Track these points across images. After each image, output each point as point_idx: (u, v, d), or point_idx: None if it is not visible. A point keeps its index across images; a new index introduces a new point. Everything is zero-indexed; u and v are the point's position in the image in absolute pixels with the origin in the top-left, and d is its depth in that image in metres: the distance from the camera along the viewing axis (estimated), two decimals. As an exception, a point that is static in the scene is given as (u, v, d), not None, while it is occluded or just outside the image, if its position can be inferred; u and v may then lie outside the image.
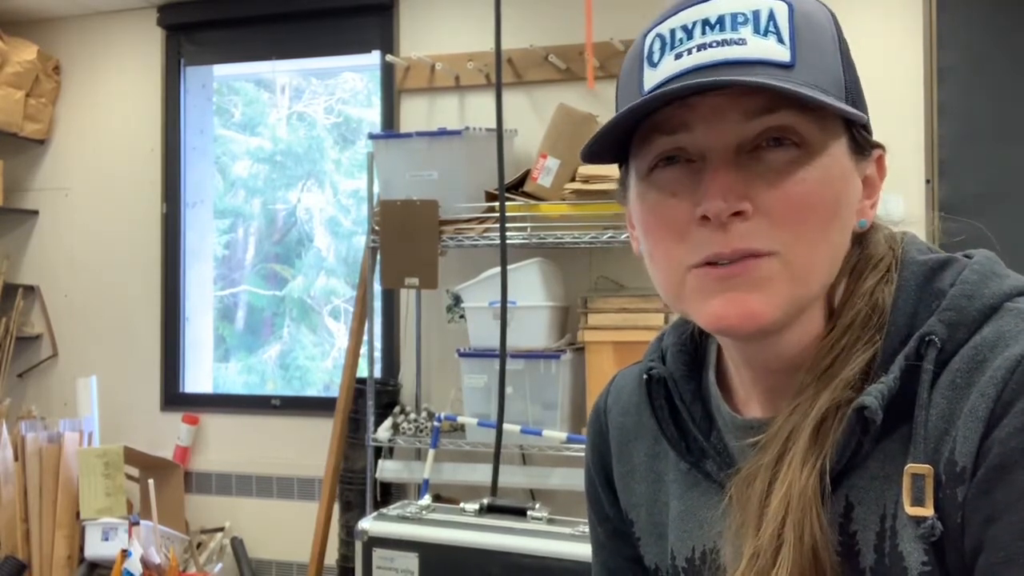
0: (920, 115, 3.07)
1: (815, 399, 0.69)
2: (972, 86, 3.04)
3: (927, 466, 0.64)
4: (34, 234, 4.16)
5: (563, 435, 2.96)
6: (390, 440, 3.27)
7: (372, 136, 3.35)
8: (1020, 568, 0.59)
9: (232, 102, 5.61)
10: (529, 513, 2.26)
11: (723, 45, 0.66)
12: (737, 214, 0.66)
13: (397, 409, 3.37)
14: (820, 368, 0.70)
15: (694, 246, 0.68)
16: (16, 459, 3.54)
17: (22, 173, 4.16)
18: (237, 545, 3.72)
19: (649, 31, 0.71)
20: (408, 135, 3.28)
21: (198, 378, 4.06)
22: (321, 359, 5.52)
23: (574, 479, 3.07)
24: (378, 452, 3.34)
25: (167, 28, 3.98)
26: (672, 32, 0.69)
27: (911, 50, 3.09)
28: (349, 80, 5.56)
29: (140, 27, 4.01)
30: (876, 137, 0.74)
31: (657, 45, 0.69)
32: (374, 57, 3.74)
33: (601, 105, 3.22)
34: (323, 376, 5.39)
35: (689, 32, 0.68)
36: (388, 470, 3.33)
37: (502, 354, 2.70)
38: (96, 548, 3.33)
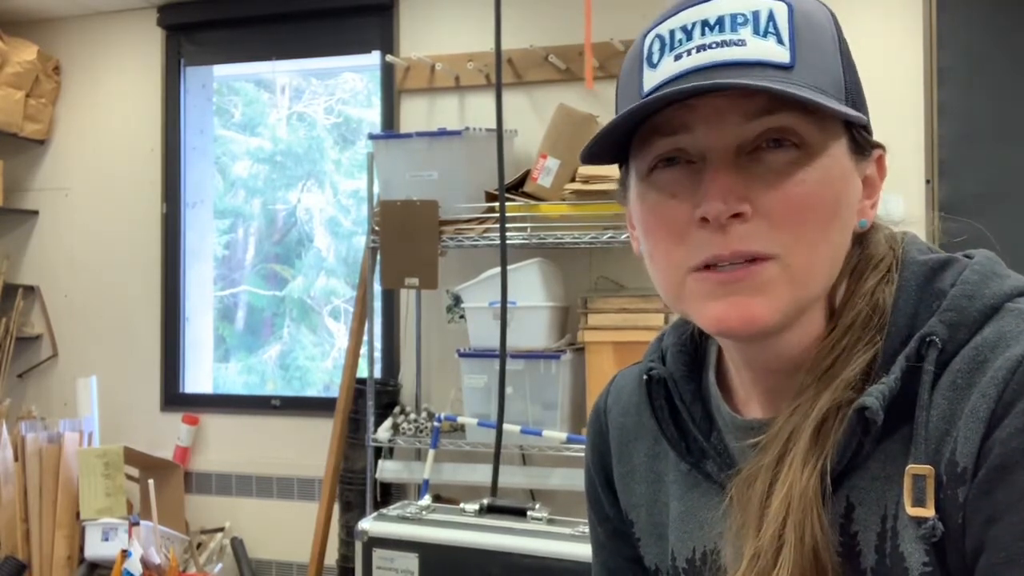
0: (920, 115, 3.07)
1: (816, 400, 0.69)
2: (972, 86, 3.04)
3: (928, 467, 0.64)
4: (34, 234, 4.16)
5: (563, 435, 2.96)
6: (390, 440, 3.27)
7: (372, 136, 3.35)
8: (1020, 568, 0.59)
9: (232, 102, 5.61)
10: (529, 513, 2.26)
11: (722, 46, 0.66)
12: (736, 216, 0.66)
13: (397, 409, 3.37)
14: (821, 369, 0.70)
15: (694, 247, 0.68)
16: (16, 459, 3.54)
17: (22, 173, 4.16)
18: (237, 545, 3.72)
19: (649, 32, 0.71)
20: (408, 135, 3.28)
21: (198, 378, 4.06)
22: (321, 359, 5.52)
23: (574, 479, 3.07)
24: (378, 452, 3.34)
25: (167, 28, 3.98)
26: (672, 33, 0.69)
27: (911, 50, 3.09)
28: (349, 80, 5.56)
29: (140, 27, 4.01)
30: (876, 137, 0.74)
31: (657, 46, 0.69)
32: (374, 57, 3.74)
33: (601, 105, 3.22)
34: (323, 376, 5.39)
35: (688, 33, 0.68)
36: (388, 470, 3.33)
37: (502, 354, 2.70)
38: (96, 548, 3.33)
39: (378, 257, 3.24)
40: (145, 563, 3.13)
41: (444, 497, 3.21)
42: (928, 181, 3.06)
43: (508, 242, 2.79)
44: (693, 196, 0.68)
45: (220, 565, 3.71)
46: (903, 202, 2.88)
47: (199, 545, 3.71)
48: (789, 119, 0.66)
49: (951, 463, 0.63)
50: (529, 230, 3.10)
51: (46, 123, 4.11)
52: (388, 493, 3.40)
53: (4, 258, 4.12)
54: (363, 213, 3.84)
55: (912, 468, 0.64)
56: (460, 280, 3.22)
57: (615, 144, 0.73)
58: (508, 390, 2.88)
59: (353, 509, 3.36)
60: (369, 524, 2.25)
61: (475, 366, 3.12)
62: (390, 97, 3.67)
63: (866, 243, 0.74)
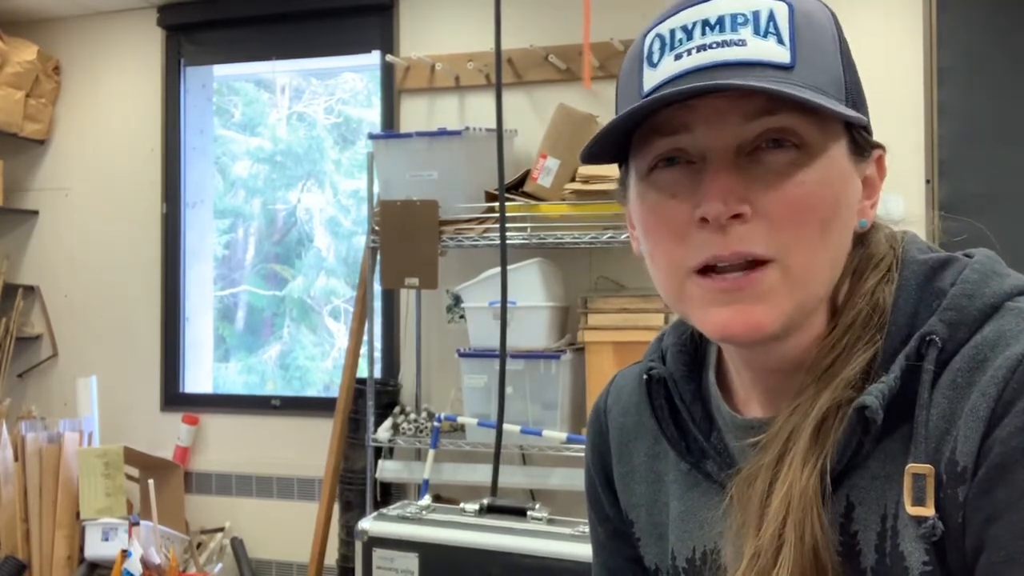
0: (920, 115, 3.07)
1: (816, 399, 0.69)
2: (972, 86, 3.04)
3: (928, 466, 0.64)
4: (34, 234, 4.16)
5: (563, 435, 2.95)
6: (390, 440, 3.27)
7: (372, 136, 3.35)
8: (1020, 567, 0.59)
9: (232, 102, 5.61)
10: (529, 513, 2.26)
11: (723, 46, 0.66)
12: (736, 216, 0.66)
13: (397, 409, 3.37)
14: (821, 368, 0.70)
15: (694, 248, 0.68)
16: (16, 459, 3.54)
17: (22, 173, 4.16)
18: (237, 545, 3.72)
19: (649, 31, 0.71)
20: (408, 135, 3.28)
21: (198, 378, 4.06)
22: (321, 359, 5.52)
23: (574, 479, 3.07)
24: (378, 452, 3.34)
25: (167, 28, 3.98)
26: (672, 32, 0.68)
27: (911, 50, 3.09)
28: (349, 80, 5.55)
29: (140, 27, 4.01)
30: (876, 137, 0.74)
31: (657, 45, 0.69)
32: (374, 57, 3.74)
33: (601, 105, 3.22)
34: (323, 376, 5.39)
35: (689, 33, 0.68)
36: (388, 470, 3.33)
37: (502, 354, 2.70)
38: (96, 548, 3.33)
39: (378, 257, 3.24)
40: (145, 563, 3.13)
41: (444, 497, 3.21)
42: (928, 181, 3.06)
43: (508, 242, 2.79)
44: (693, 196, 0.68)
45: (220, 565, 3.71)
46: (903, 202, 2.88)
47: (199, 545, 3.71)
48: (789, 119, 0.66)
49: (951, 462, 0.63)
50: (529, 230, 3.10)
51: (46, 123, 4.11)
52: (388, 493, 3.40)
53: (4, 258, 4.12)
54: (363, 213, 3.84)
55: (912, 467, 0.64)
56: (460, 280, 3.21)
57: (615, 144, 0.73)
58: (508, 390, 2.88)
59: (353, 509, 3.36)
60: (369, 524, 2.25)
61: (475, 366, 3.12)
62: (390, 97, 3.67)
63: (867, 243, 0.74)
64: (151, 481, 3.35)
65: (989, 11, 3.06)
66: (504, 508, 2.32)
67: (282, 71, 4.66)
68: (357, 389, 3.40)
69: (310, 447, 3.65)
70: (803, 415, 0.69)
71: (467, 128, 3.17)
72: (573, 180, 3.07)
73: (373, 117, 4.03)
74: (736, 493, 0.72)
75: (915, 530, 0.64)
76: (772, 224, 0.66)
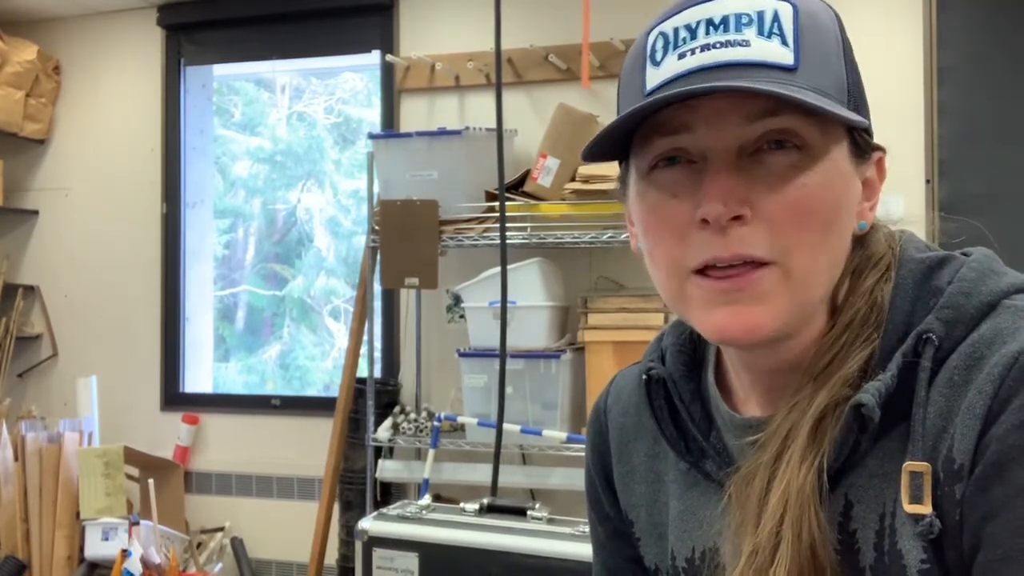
0: (920, 115, 3.07)
1: (813, 397, 0.69)
2: (972, 86, 3.04)
3: (925, 464, 0.64)
4: (34, 234, 4.16)
5: (563, 435, 2.96)
6: (390, 440, 3.27)
7: (372, 136, 3.35)
8: (1018, 565, 0.59)
9: (232, 102, 5.61)
10: (529, 513, 2.26)
11: (726, 46, 0.66)
12: (736, 218, 0.66)
13: (397, 409, 3.37)
14: (819, 367, 0.70)
15: (693, 248, 0.68)
16: (16, 459, 3.54)
17: (22, 173, 4.16)
18: (237, 545, 3.72)
19: (652, 29, 0.71)
20: (408, 135, 3.28)
21: (198, 378, 4.06)
22: (321, 359, 5.52)
23: (574, 479, 3.07)
24: (378, 452, 3.34)
25: (167, 28, 3.98)
26: (676, 31, 0.68)
27: (911, 50, 3.09)
28: (349, 80, 5.55)
29: (140, 27, 4.01)
30: (876, 137, 0.74)
31: (660, 44, 0.69)
32: (374, 57, 3.74)
33: (601, 105, 3.22)
34: (323, 376, 5.39)
35: (693, 32, 0.67)
36: (388, 470, 3.33)
37: (502, 354, 2.70)
38: (96, 548, 3.33)
39: (378, 257, 3.24)
40: (145, 563, 3.13)
41: (444, 497, 3.21)
42: (928, 181, 3.06)
43: (508, 242, 2.79)
44: (693, 196, 0.68)
45: (220, 565, 3.71)
46: (903, 202, 2.88)
47: (199, 545, 3.71)
48: (791, 121, 0.66)
49: (948, 460, 0.63)
50: (529, 230, 3.10)
51: (46, 123, 4.11)
52: (388, 493, 3.40)
53: (4, 258, 4.12)
54: (363, 213, 3.84)
55: (909, 465, 0.64)
56: (460, 280, 3.22)
57: (616, 141, 0.72)
58: (508, 390, 2.88)
59: (353, 509, 3.36)
60: (369, 524, 2.25)
61: (475, 366, 3.12)
62: (390, 97, 3.67)
63: (866, 243, 0.74)
64: (151, 481, 3.35)
65: (989, 11, 3.06)
66: (504, 508, 2.32)
67: (282, 71, 4.66)
68: (357, 389, 3.40)
69: (310, 447, 3.65)
70: (801, 413, 0.69)
71: (467, 128, 3.17)
72: (573, 180, 3.07)
73: (373, 117, 4.03)
74: (734, 491, 0.72)
75: (913, 528, 0.64)
76: (773, 226, 0.66)
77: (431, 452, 3.11)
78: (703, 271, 0.68)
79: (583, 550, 1.97)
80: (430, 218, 3.12)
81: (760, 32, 0.66)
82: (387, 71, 3.66)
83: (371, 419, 3.28)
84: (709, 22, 0.67)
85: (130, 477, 3.66)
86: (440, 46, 3.56)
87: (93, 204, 4.07)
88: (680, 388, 0.81)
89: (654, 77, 0.69)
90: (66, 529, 3.50)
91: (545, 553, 2.07)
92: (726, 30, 0.66)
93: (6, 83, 3.91)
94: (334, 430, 3.39)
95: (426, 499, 2.46)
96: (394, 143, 3.28)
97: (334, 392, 3.52)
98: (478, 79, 3.49)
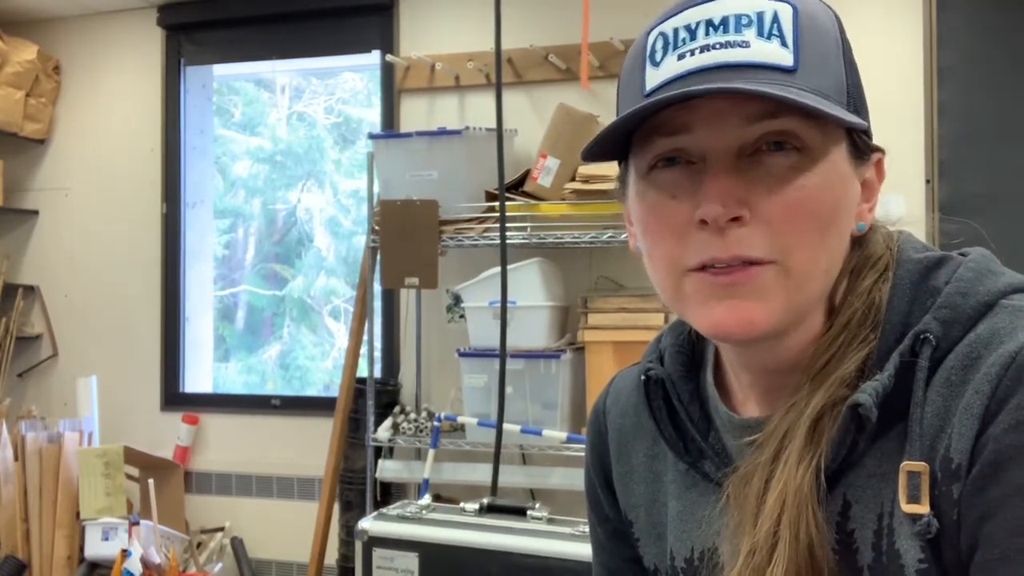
0: (920, 115, 3.07)
1: (811, 397, 0.69)
2: (972, 86, 3.04)
3: (923, 463, 0.64)
4: (34, 234, 4.16)
5: (563, 435, 2.96)
6: (390, 440, 3.27)
7: (372, 136, 3.35)
8: (1015, 565, 0.59)
9: (232, 102, 5.61)
10: (529, 513, 2.26)
11: (726, 47, 0.66)
12: (735, 219, 0.66)
13: (397, 409, 3.37)
14: (816, 367, 0.70)
15: (692, 249, 0.68)
16: (16, 459, 3.54)
17: (22, 173, 4.16)
18: (237, 545, 3.72)
19: (652, 29, 0.71)
20: (408, 135, 3.28)
21: (198, 378, 4.06)
22: (321, 359, 5.52)
23: (574, 479, 3.07)
24: (378, 452, 3.34)
25: (167, 28, 3.98)
26: (675, 31, 0.68)
27: (911, 50, 3.09)
28: (349, 80, 5.55)
29: (140, 27, 4.01)
30: (876, 137, 0.74)
31: (660, 44, 0.69)
32: (374, 57, 3.74)
33: (601, 105, 3.22)
34: (323, 376, 5.39)
35: (692, 32, 0.67)
36: (388, 470, 3.33)
37: (502, 354, 2.70)
38: (96, 548, 3.33)
39: (378, 257, 3.24)
40: (145, 563, 3.13)
41: (444, 497, 3.21)
42: (928, 181, 3.06)
43: (508, 242, 2.79)
44: (693, 197, 0.68)
45: (220, 565, 3.71)
46: (903, 202, 2.88)
47: (199, 545, 3.71)
48: (791, 123, 0.66)
49: (945, 459, 0.63)
50: (529, 230, 3.10)
51: (46, 123, 4.11)
52: (388, 493, 3.40)
53: (4, 258, 4.12)
54: (363, 213, 3.84)
55: (907, 465, 0.65)
56: (460, 280, 3.22)
57: (616, 142, 0.72)
58: (508, 390, 2.88)
59: (353, 509, 3.37)
60: (369, 524, 2.25)
61: (475, 366, 3.12)
62: (390, 97, 3.67)
63: (864, 244, 0.74)
64: (151, 481, 3.35)
65: (989, 11, 3.06)
66: (504, 508, 2.32)
67: (282, 71, 4.66)
68: (357, 389, 3.40)
69: (310, 447, 3.65)
70: (798, 414, 0.69)
71: (467, 128, 3.17)
72: (573, 180, 3.07)
73: (373, 117, 4.03)
74: (732, 491, 0.72)
75: (910, 528, 0.64)
76: (771, 228, 0.66)
77: (431, 452, 3.11)
78: (701, 269, 0.68)
79: (583, 550, 1.97)
80: (430, 218, 3.12)
81: (760, 33, 0.66)
82: (387, 71, 3.66)
83: (371, 419, 3.28)
84: (709, 23, 0.67)
85: (130, 477, 3.66)
86: (440, 46, 3.56)
87: (93, 204, 4.07)
88: (679, 389, 0.81)
89: (654, 78, 0.69)
90: (66, 529, 3.50)
91: (545, 553, 2.07)
92: (726, 31, 0.66)
93: (6, 83, 3.91)
94: (334, 430, 3.39)
95: (426, 499, 2.46)
96: (394, 143, 3.28)
97: (334, 392, 3.52)
98: (478, 79, 3.49)
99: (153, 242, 3.98)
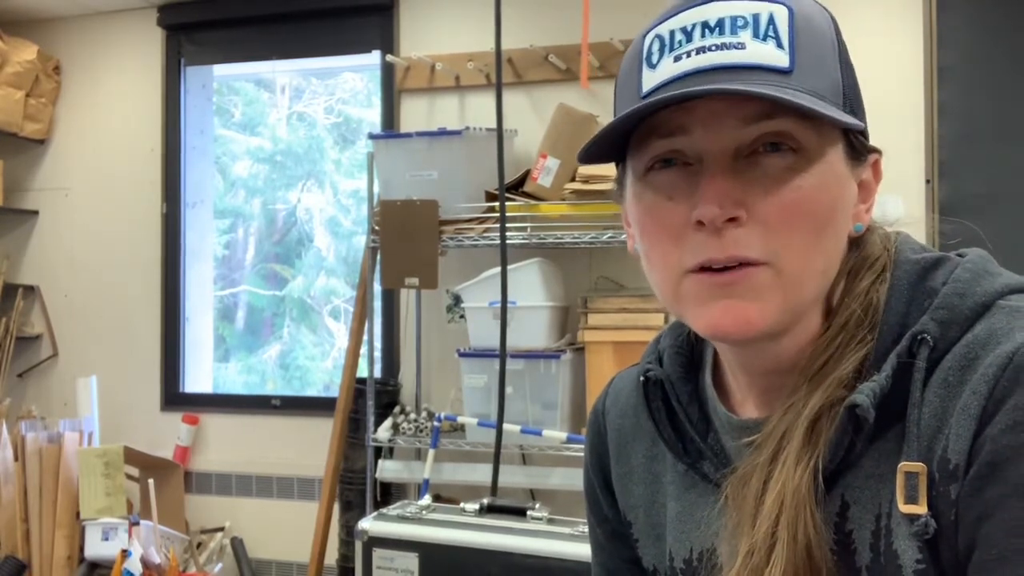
0: (920, 115, 3.07)
1: (808, 398, 0.69)
2: (972, 86, 3.04)
3: (920, 464, 0.64)
4: (34, 234, 4.17)
5: (563, 435, 2.96)
6: (390, 440, 3.27)
7: (372, 136, 3.35)
8: (1013, 565, 0.59)
9: (232, 102, 5.61)
10: (529, 513, 2.26)
11: (722, 49, 0.66)
12: (732, 220, 0.66)
13: (397, 409, 3.37)
14: (814, 368, 0.70)
15: (689, 250, 0.68)
16: (16, 459, 3.54)
17: (22, 173, 4.16)
18: (237, 545, 3.72)
19: (648, 31, 0.71)
20: (408, 135, 3.28)
21: (198, 378, 4.06)
22: (321, 359, 5.52)
23: (574, 479, 3.07)
24: (378, 452, 3.34)
25: (167, 28, 3.98)
26: (671, 34, 0.69)
27: (911, 50, 3.09)
28: (349, 80, 5.55)
29: (140, 27, 4.01)
30: (876, 137, 0.74)
31: (656, 46, 0.69)
32: (374, 57, 3.74)
33: (601, 105, 3.22)
34: (323, 376, 5.39)
35: (688, 34, 0.68)
36: (388, 470, 3.33)
37: (502, 354, 2.70)
38: (96, 548, 3.33)
39: (378, 257, 3.24)
40: (145, 563, 3.13)
41: (444, 497, 3.21)
42: (928, 181, 3.05)
43: (508, 242, 2.79)
44: (689, 199, 0.68)
45: (220, 565, 3.72)
46: (903, 202, 2.88)
47: (199, 545, 3.72)
48: (787, 124, 0.66)
49: (943, 460, 0.63)
50: (529, 230, 3.10)
51: (46, 123, 4.11)
52: (388, 493, 3.40)
53: (4, 258, 4.12)
54: (363, 213, 3.84)
55: (904, 465, 0.65)
56: (460, 280, 3.22)
57: (613, 143, 0.73)
58: (508, 390, 2.88)
59: (353, 509, 3.37)
60: (369, 524, 2.25)
61: (475, 366, 3.12)
62: (390, 97, 3.67)
63: (862, 245, 0.74)
64: (151, 481, 3.35)
65: (989, 11, 3.06)
66: (504, 508, 2.32)
67: (282, 71, 4.66)
68: (357, 389, 3.40)
69: (310, 447, 3.65)
70: (796, 414, 0.69)
71: (467, 128, 3.17)
72: (573, 180, 3.07)
73: (373, 117, 4.03)
74: (731, 492, 0.72)
75: (908, 528, 0.64)
76: (767, 228, 0.66)
77: (431, 452, 3.11)
78: (698, 270, 0.68)
79: (583, 550, 1.97)
80: (430, 218, 3.12)
81: (755, 35, 0.66)
82: (387, 71, 3.66)
83: (371, 419, 3.28)
84: (705, 25, 0.67)
85: (130, 477, 3.66)
86: (440, 46, 3.56)
87: (93, 204, 4.07)
88: (678, 389, 0.81)
89: (650, 79, 0.69)
90: (66, 529, 3.50)
91: (545, 553, 2.07)
92: (721, 33, 0.67)
93: (6, 83, 3.91)
94: (334, 430, 3.39)
95: (426, 499, 2.46)
96: (394, 143, 3.28)
97: (334, 392, 3.52)
98: (478, 79, 3.49)
99: (153, 242, 3.99)
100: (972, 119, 3.03)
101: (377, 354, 3.52)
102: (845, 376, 0.69)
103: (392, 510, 2.35)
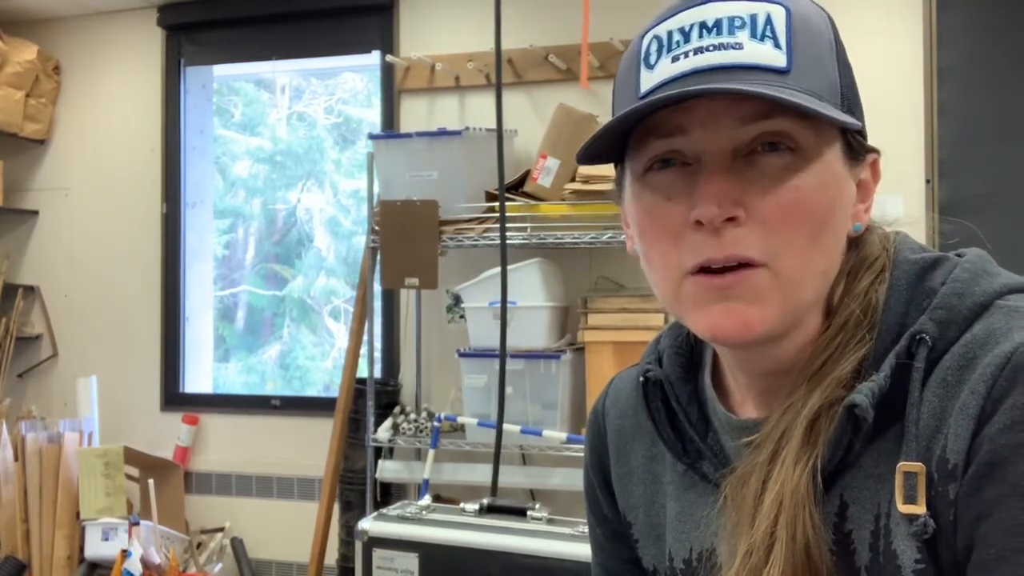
0: (920, 115, 3.07)
1: (807, 398, 0.69)
2: (972, 86, 3.04)
3: (919, 464, 0.64)
4: (34, 234, 4.17)
5: (563, 435, 2.96)
6: (390, 440, 3.27)
7: (372, 136, 3.35)
8: (1011, 565, 0.59)
9: (232, 102, 5.61)
10: (529, 513, 2.26)
11: (720, 49, 0.66)
12: (730, 220, 0.66)
13: (397, 409, 3.37)
14: (813, 368, 0.70)
15: (688, 250, 0.68)
16: (16, 459, 3.54)
17: (22, 173, 4.16)
18: (237, 545, 3.72)
19: (646, 32, 0.71)
20: (408, 135, 3.28)
21: (198, 378, 4.06)
22: (321, 359, 5.52)
23: (574, 479, 3.07)
24: (378, 452, 3.34)
25: (167, 28, 3.98)
26: (669, 34, 0.69)
27: (911, 50, 3.09)
28: (349, 80, 5.55)
29: (140, 27, 4.01)
30: (876, 137, 0.74)
31: (654, 47, 0.69)
32: (374, 57, 3.74)
33: (601, 105, 3.22)
34: (323, 376, 5.39)
35: (686, 35, 0.68)
36: (388, 470, 3.33)
37: (502, 354, 2.70)
38: (96, 548, 3.33)
39: (378, 257, 3.24)
40: (145, 563, 3.13)
41: (444, 497, 3.21)
42: (928, 181, 3.05)
43: (508, 242, 2.79)
44: (688, 199, 0.68)
45: (220, 565, 3.72)
46: (903, 202, 2.88)
47: (199, 545, 3.72)
48: (785, 124, 0.67)
49: (942, 460, 0.63)
50: (529, 230, 3.10)
51: (46, 123, 4.11)
52: (388, 493, 3.40)
53: (4, 258, 4.12)
54: (363, 213, 3.84)
55: (903, 465, 0.65)
56: (460, 280, 3.22)
57: (611, 144, 0.73)
58: (508, 390, 2.88)
59: (353, 509, 3.37)
60: (369, 524, 2.25)
61: (475, 366, 3.12)
62: (390, 97, 3.67)
63: (861, 245, 0.74)
64: (151, 481, 3.35)
65: (989, 11, 3.06)
66: (504, 508, 2.32)
67: (282, 71, 4.66)
68: (357, 389, 3.40)
69: (310, 447, 3.65)
70: (795, 414, 0.69)
71: (467, 128, 3.17)
72: (573, 180, 3.07)
73: (373, 117, 4.03)
74: (730, 492, 0.72)
75: (907, 528, 0.64)
76: (766, 228, 0.67)
77: (431, 452, 3.11)
78: (698, 272, 0.68)
79: (583, 550, 1.97)
80: (430, 218, 3.12)
81: (753, 35, 0.67)
82: (387, 71, 3.66)
83: (371, 419, 3.28)
84: (702, 25, 0.67)
85: (130, 477, 3.66)
86: (440, 46, 3.56)
87: (93, 204, 4.07)
88: (677, 390, 0.81)
89: (648, 80, 0.69)
90: (66, 529, 3.50)
91: (545, 553, 2.07)
92: (719, 33, 0.67)
93: (6, 83, 3.91)
94: (334, 430, 3.39)
95: (426, 499, 2.46)
96: (394, 143, 3.28)
97: (334, 392, 3.52)
98: (478, 79, 3.49)
99: (153, 242, 3.99)
100: (972, 119, 3.03)
101: (377, 354, 3.52)
102: (844, 376, 0.69)
103: (392, 510, 2.35)
